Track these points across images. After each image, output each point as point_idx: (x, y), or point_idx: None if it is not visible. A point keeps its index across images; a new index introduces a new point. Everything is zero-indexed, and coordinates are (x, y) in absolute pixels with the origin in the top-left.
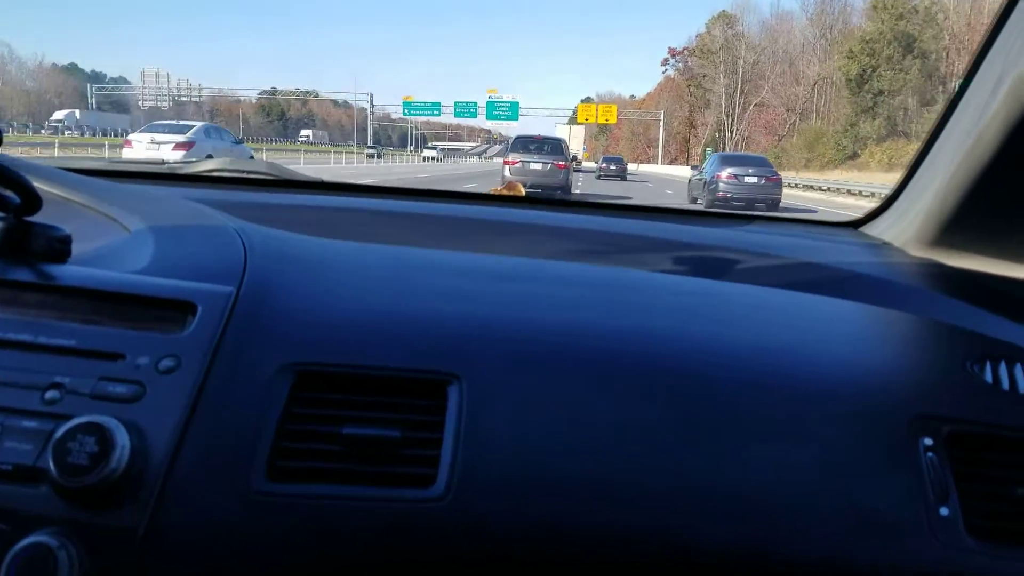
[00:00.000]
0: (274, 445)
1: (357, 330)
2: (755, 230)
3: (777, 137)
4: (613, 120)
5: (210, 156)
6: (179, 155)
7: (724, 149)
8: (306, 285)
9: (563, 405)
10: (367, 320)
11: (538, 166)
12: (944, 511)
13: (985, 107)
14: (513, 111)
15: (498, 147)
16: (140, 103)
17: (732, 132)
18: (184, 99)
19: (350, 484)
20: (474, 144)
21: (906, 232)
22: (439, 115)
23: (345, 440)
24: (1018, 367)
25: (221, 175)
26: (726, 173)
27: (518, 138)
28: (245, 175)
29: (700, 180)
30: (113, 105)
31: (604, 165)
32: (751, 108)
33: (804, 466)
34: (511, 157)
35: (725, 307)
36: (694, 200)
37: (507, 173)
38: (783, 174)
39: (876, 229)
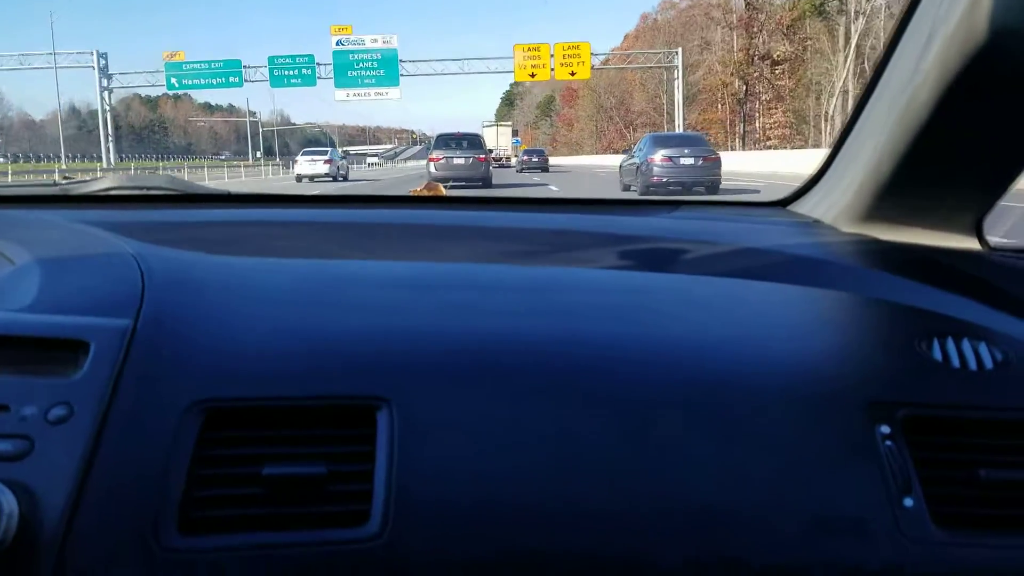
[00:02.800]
0: (185, 494)
1: (271, 358)
2: (682, 216)
3: None
4: (584, 75)
5: (340, 169)
6: (327, 168)
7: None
8: (212, 311)
9: (502, 423)
10: (281, 345)
11: (461, 161)
12: (908, 502)
13: (913, 74)
14: (308, 69)
15: (417, 148)
16: None
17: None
18: None
19: (275, 530)
20: (389, 147)
21: (836, 208)
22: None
23: (266, 481)
24: (966, 342)
25: (118, 193)
26: (660, 156)
27: (440, 136)
28: (143, 192)
29: (632, 165)
30: None
31: (525, 158)
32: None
33: (759, 469)
34: (435, 154)
35: (662, 303)
36: (626, 187)
37: (432, 169)
38: None
39: (805, 207)
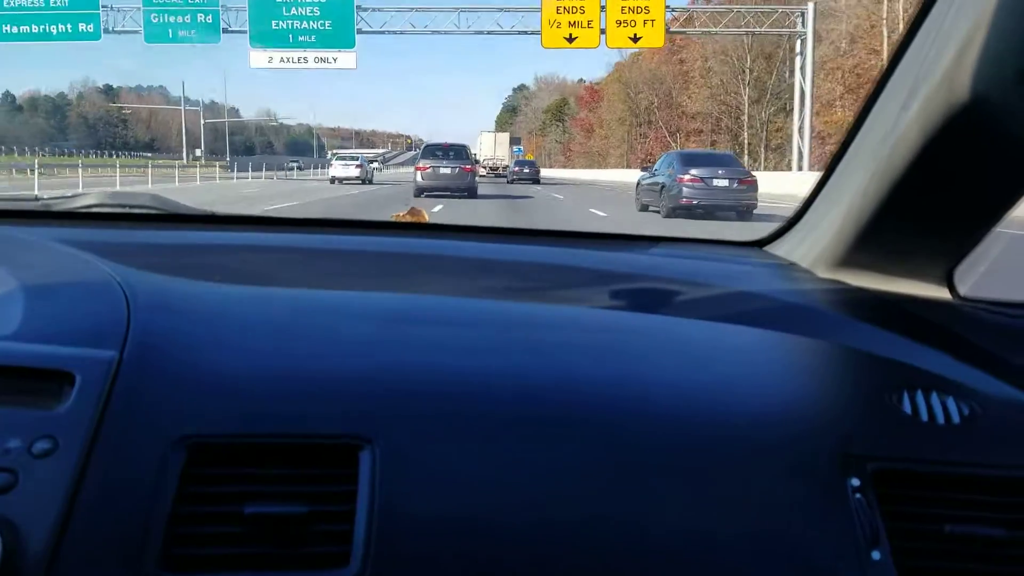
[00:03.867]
0: (169, 531)
1: (255, 394)
2: (661, 253)
3: None
4: (655, 41)
5: (368, 173)
6: (358, 172)
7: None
8: (197, 343)
9: (485, 465)
10: (265, 381)
11: (447, 170)
12: (876, 555)
13: (896, 123)
14: (209, 16)
15: (410, 153)
16: None
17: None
18: None
19: (256, 569)
20: (380, 151)
21: (813, 252)
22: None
23: (248, 520)
24: (935, 396)
25: (100, 211)
26: (689, 175)
27: (427, 146)
28: (127, 210)
29: (654, 184)
30: None
31: (516, 168)
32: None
33: (731, 517)
34: (422, 163)
35: (640, 344)
36: (644, 207)
37: (419, 178)
38: None
39: (782, 249)
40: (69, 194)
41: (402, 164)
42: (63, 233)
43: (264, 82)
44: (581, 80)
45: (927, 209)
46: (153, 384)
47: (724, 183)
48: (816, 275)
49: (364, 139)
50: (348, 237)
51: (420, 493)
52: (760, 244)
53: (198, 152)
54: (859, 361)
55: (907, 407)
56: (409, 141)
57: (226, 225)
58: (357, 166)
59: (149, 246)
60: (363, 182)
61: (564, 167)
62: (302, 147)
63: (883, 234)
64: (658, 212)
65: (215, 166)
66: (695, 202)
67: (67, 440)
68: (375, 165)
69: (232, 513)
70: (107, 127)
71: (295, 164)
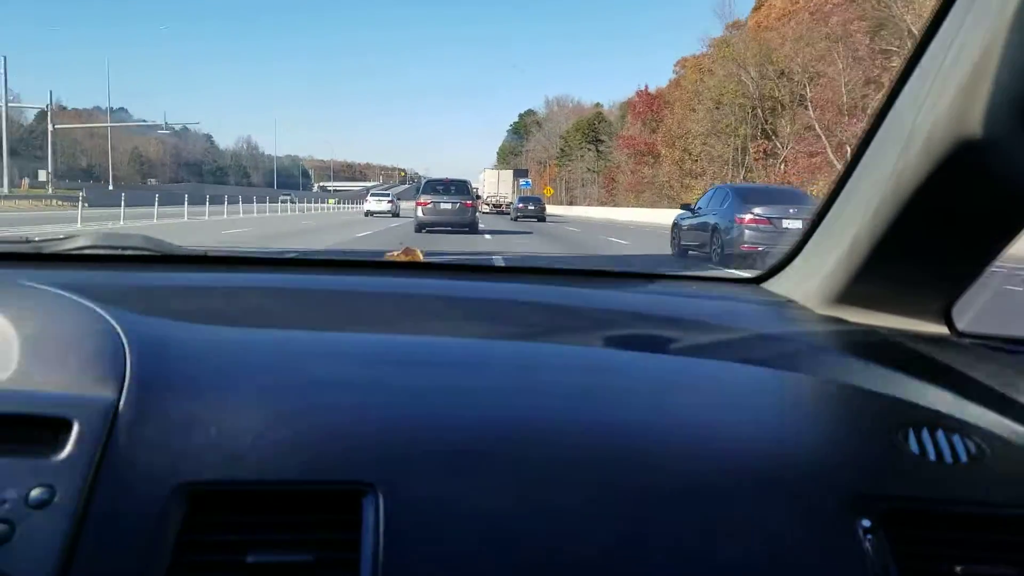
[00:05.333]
0: None
1: (255, 440)
2: (659, 292)
3: None
4: None
5: (396, 207)
6: (389, 206)
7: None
8: (195, 388)
9: (487, 507)
10: (265, 427)
11: (448, 206)
12: None
13: (896, 165)
14: None
15: (403, 187)
16: None
17: None
18: None
19: None
20: (372, 184)
21: (811, 288)
22: None
23: (250, 570)
24: (941, 434)
25: (92, 253)
26: (752, 215)
27: (428, 182)
28: (120, 252)
29: (701, 225)
30: None
31: (520, 206)
32: None
33: (741, 557)
34: (423, 199)
35: (640, 384)
36: (684, 252)
37: (420, 213)
38: None
39: (779, 286)
40: (61, 236)
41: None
42: (56, 276)
43: (241, 108)
44: (597, 104)
45: (925, 245)
46: (152, 430)
47: (797, 224)
48: (814, 312)
49: (357, 171)
50: (343, 277)
51: (424, 537)
52: (757, 281)
53: (43, 176)
54: (863, 399)
55: (914, 446)
56: (403, 174)
57: (220, 266)
58: (389, 201)
59: (144, 289)
60: (393, 215)
61: (605, 203)
62: (283, 179)
63: (881, 270)
64: (706, 259)
65: (54, 198)
66: (760, 248)
67: (64, 489)
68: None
69: (235, 562)
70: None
71: (287, 198)
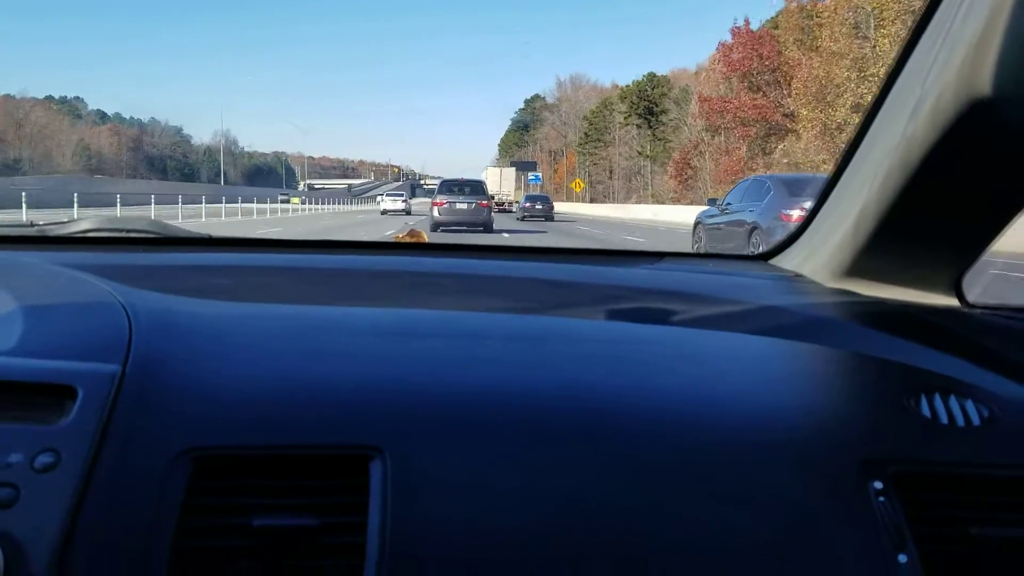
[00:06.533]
0: (175, 545)
1: (260, 406)
2: (667, 268)
3: None
4: None
5: (408, 206)
6: (403, 205)
7: None
8: (200, 357)
9: (495, 472)
10: (270, 394)
11: (463, 205)
12: (902, 558)
13: (903, 131)
14: None
15: (395, 184)
16: None
17: None
18: None
19: None
20: (363, 182)
21: (819, 263)
22: None
23: (256, 533)
24: (953, 399)
25: (97, 236)
26: (800, 210)
27: (444, 182)
28: (124, 235)
29: (731, 224)
30: None
31: (528, 204)
32: None
33: (754, 524)
34: (439, 199)
35: (651, 355)
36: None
37: (436, 213)
38: None
39: (788, 261)
40: (65, 219)
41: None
42: (61, 257)
43: (221, 101)
44: (615, 84)
45: (934, 217)
46: (157, 397)
47: None
48: (823, 285)
49: (349, 168)
50: (348, 257)
51: (431, 502)
52: (765, 257)
53: None
54: (874, 367)
55: (926, 410)
56: (396, 170)
57: (224, 247)
58: (403, 200)
59: (147, 267)
60: (406, 212)
61: (678, 199)
62: (266, 176)
63: (890, 243)
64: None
65: None
66: None
67: (70, 454)
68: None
69: (240, 526)
70: None
71: (285, 197)
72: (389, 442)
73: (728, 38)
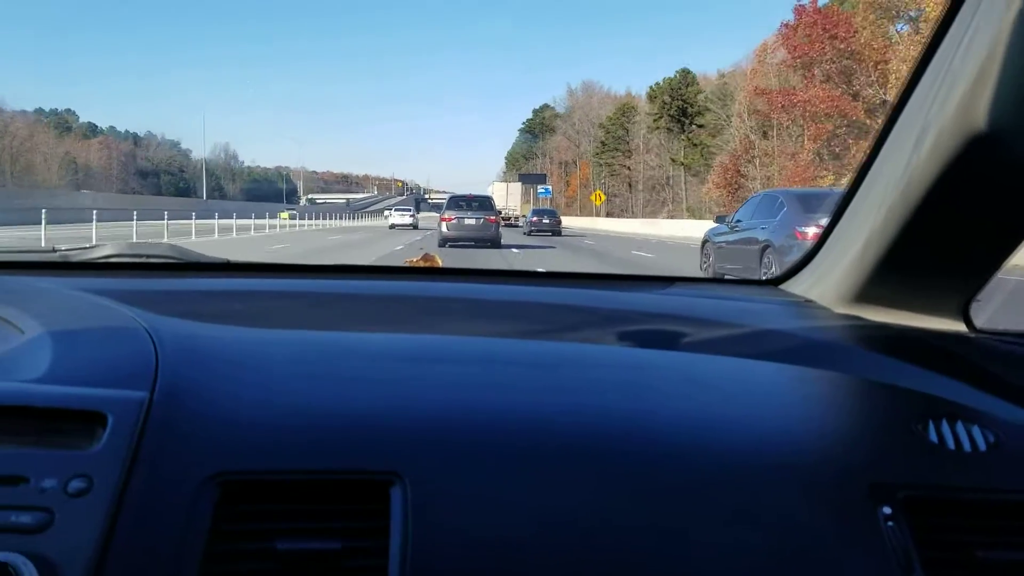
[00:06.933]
0: (202, 570)
1: (283, 431)
2: (677, 293)
3: None
4: None
5: (416, 221)
6: (411, 220)
7: None
8: (224, 384)
9: (513, 498)
10: (292, 418)
11: (472, 221)
12: None
13: (908, 164)
14: None
15: (398, 198)
16: None
17: None
18: None
19: None
20: (365, 196)
21: (829, 288)
22: None
23: (280, 556)
24: (960, 425)
25: (119, 261)
26: (815, 227)
27: (452, 198)
28: (144, 260)
29: (742, 242)
30: None
31: (535, 219)
32: None
33: (763, 550)
34: (447, 215)
35: (662, 380)
36: (720, 275)
37: (444, 228)
38: None
39: (797, 286)
40: (87, 245)
41: (380, 212)
42: (84, 283)
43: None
44: (630, 93)
45: (940, 243)
46: (184, 423)
47: None
48: (833, 311)
49: (353, 183)
50: (363, 282)
51: (449, 526)
52: (775, 283)
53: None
54: (882, 393)
55: (933, 436)
56: (400, 184)
57: (243, 272)
58: (411, 216)
59: (169, 293)
60: (414, 227)
61: (725, 209)
62: (266, 191)
63: (898, 269)
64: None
65: None
66: None
67: (101, 479)
68: (402, 218)
69: (264, 550)
70: None
71: (293, 212)
72: (408, 468)
73: (786, 21)
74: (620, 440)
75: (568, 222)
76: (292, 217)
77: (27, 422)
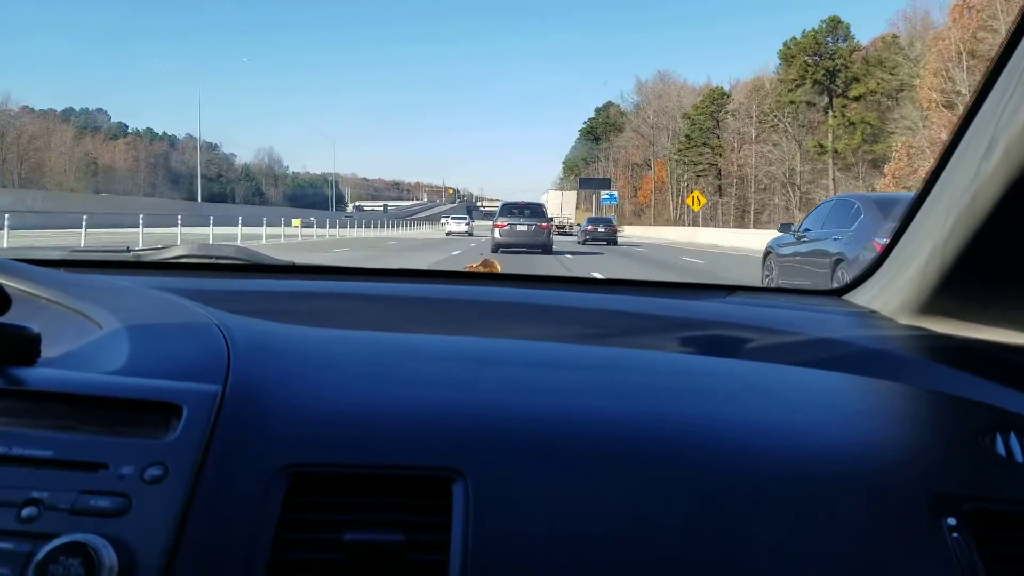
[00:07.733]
0: (272, 557)
1: (350, 425)
2: (738, 302)
3: None
4: None
5: (471, 229)
6: (466, 228)
7: None
8: (293, 379)
9: (573, 498)
10: (358, 414)
11: (524, 228)
12: None
13: (977, 173)
14: None
15: (449, 205)
16: None
17: None
18: None
19: None
20: (415, 203)
21: (894, 300)
22: None
23: (347, 547)
24: None
25: (189, 261)
26: None
27: (504, 205)
28: (213, 261)
29: (812, 253)
30: None
31: (589, 227)
32: None
33: (826, 559)
34: (500, 221)
35: (723, 387)
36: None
37: (497, 235)
38: None
39: (862, 297)
40: (160, 246)
41: (426, 219)
42: (157, 281)
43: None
44: (709, 84)
45: (1009, 255)
46: (255, 417)
47: None
48: (898, 322)
49: (405, 190)
50: (426, 286)
51: (511, 524)
52: (839, 293)
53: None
54: (948, 404)
55: (1000, 448)
56: (451, 192)
57: (308, 275)
58: (466, 224)
59: (238, 292)
60: (469, 235)
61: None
62: (312, 197)
63: (965, 281)
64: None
65: None
66: None
67: (176, 467)
68: (459, 225)
69: (332, 540)
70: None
71: (349, 218)
72: (470, 465)
73: None
74: (679, 445)
75: (638, 233)
76: (303, 225)
77: (106, 412)
